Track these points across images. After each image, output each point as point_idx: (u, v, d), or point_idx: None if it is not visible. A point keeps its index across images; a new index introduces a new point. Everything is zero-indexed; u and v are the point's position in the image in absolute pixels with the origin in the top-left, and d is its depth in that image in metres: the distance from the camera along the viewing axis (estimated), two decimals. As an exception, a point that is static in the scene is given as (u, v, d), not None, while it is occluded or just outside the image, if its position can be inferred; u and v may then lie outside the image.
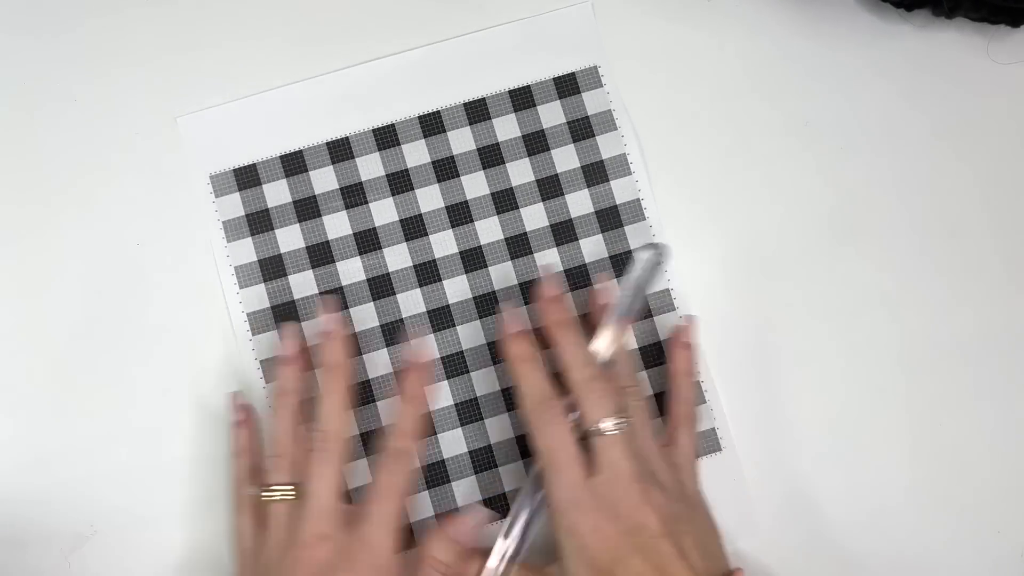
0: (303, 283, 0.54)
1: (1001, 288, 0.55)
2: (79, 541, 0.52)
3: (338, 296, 0.53)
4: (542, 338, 0.51)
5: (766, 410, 0.54)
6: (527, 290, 0.54)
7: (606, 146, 0.55)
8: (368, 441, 0.53)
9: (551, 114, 0.55)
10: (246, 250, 0.54)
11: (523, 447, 0.53)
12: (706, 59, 0.56)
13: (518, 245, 0.54)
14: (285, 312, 0.53)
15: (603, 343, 0.50)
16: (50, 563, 0.52)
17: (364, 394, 0.53)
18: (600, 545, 0.45)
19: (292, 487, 0.47)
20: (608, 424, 0.46)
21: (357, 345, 0.53)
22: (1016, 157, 0.56)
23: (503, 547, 0.48)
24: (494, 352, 0.54)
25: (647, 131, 0.55)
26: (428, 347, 0.51)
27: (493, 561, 0.47)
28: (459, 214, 0.54)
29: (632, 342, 0.54)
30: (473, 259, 0.54)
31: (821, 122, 0.56)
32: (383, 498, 0.46)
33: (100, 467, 0.52)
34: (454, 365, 0.54)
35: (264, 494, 0.47)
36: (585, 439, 0.47)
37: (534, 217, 0.54)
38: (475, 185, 0.55)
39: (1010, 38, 0.57)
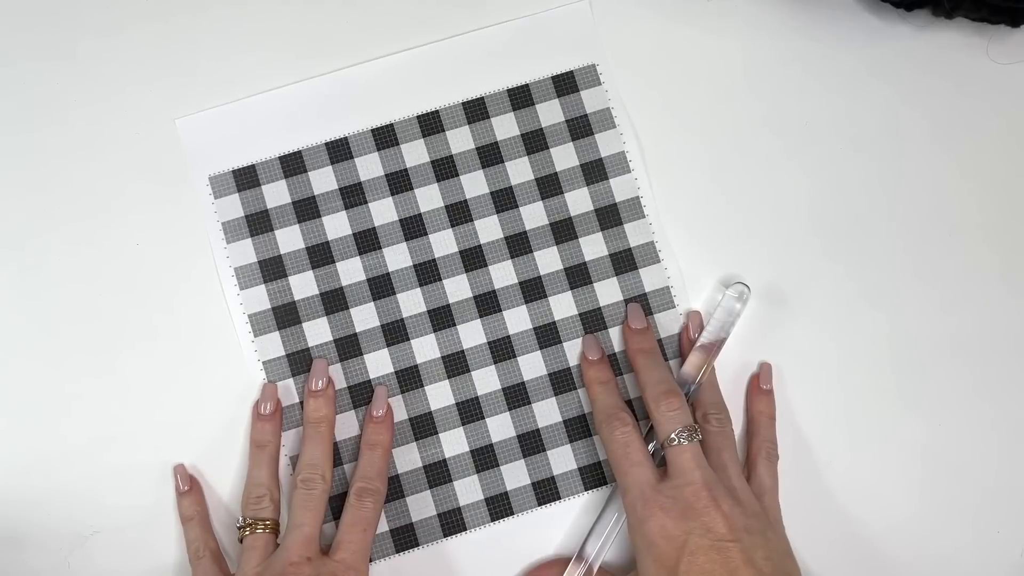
0: (304, 284, 0.54)
1: (1001, 288, 0.55)
2: (79, 541, 0.52)
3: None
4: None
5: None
6: (527, 288, 0.54)
7: (605, 144, 0.55)
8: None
9: (550, 112, 0.55)
10: (246, 251, 0.54)
11: (524, 445, 0.53)
12: (706, 58, 0.56)
13: (518, 244, 0.54)
14: (286, 313, 0.53)
15: (691, 369, 0.52)
16: (50, 563, 0.52)
17: (364, 394, 0.53)
18: (667, 543, 0.46)
19: (270, 522, 0.50)
20: (680, 435, 0.48)
21: (359, 345, 0.53)
22: (1016, 157, 0.56)
23: (580, 560, 0.51)
24: (495, 351, 0.54)
25: (646, 129, 0.55)
26: (385, 399, 0.53)
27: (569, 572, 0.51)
28: (458, 213, 0.54)
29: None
30: (473, 258, 0.54)
31: (821, 122, 0.56)
32: (355, 529, 0.49)
33: (100, 467, 0.52)
34: (455, 364, 0.53)
35: (254, 523, 0.50)
36: (662, 449, 0.49)
37: (533, 216, 0.54)
38: (474, 184, 0.55)
39: (1010, 38, 0.57)
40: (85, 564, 0.52)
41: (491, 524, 0.53)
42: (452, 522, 0.53)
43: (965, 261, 0.55)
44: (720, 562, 0.45)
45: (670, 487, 0.47)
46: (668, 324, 0.54)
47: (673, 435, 0.48)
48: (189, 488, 0.52)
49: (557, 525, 0.53)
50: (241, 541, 0.50)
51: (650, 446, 0.50)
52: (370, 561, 0.52)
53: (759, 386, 0.54)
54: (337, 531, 0.50)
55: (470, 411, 0.53)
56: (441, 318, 0.54)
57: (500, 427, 0.53)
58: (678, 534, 0.46)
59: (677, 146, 0.55)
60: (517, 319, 0.54)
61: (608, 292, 0.54)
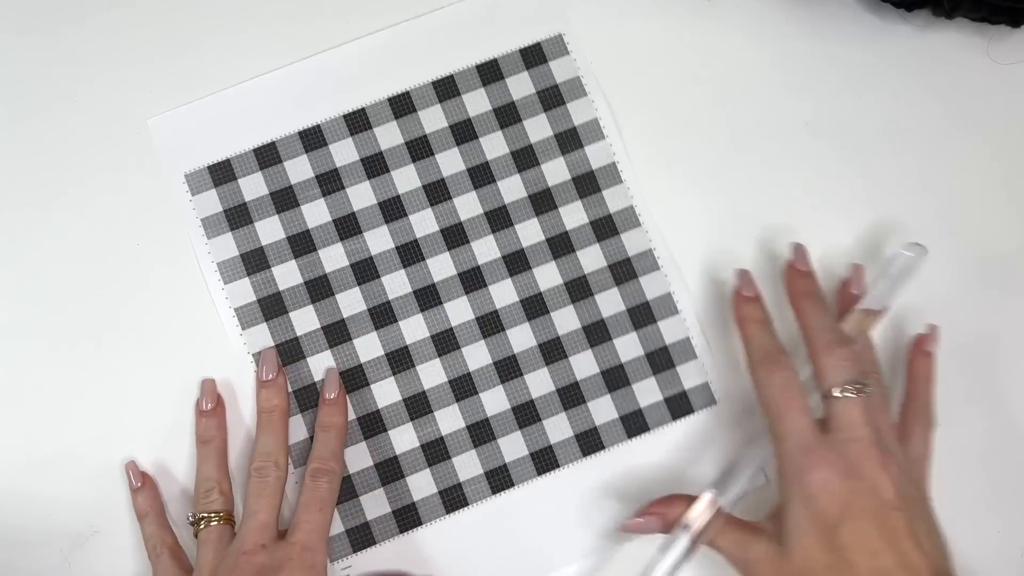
0: (287, 273, 0.54)
1: (1001, 288, 0.55)
2: (79, 541, 0.52)
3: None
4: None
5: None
6: (510, 262, 0.54)
7: (577, 112, 0.55)
8: (364, 425, 0.53)
9: (520, 85, 0.55)
10: (227, 245, 0.54)
11: (520, 418, 0.53)
12: (705, 59, 0.56)
13: (498, 218, 0.54)
14: (272, 304, 0.53)
15: (849, 328, 0.49)
16: (50, 563, 0.51)
17: (357, 378, 0.53)
18: (829, 499, 0.44)
19: (222, 513, 0.50)
20: (851, 387, 0.45)
21: (347, 331, 0.53)
22: (1016, 157, 0.56)
23: (712, 498, 0.48)
24: (483, 326, 0.54)
25: (618, 95, 0.55)
26: (337, 382, 0.52)
27: (699, 508, 0.47)
28: (437, 192, 0.54)
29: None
30: (454, 235, 0.54)
31: (821, 122, 0.56)
32: (311, 510, 0.49)
33: (100, 467, 0.52)
34: (444, 342, 0.53)
35: (207, 517, 0.50)
36: (824, 401, 0.46)
37: (511, 189, 0.54)
38: (450, 162, 0.55)
39: (1010, 38, 0.56)
40: (85, 564, 0.51)
41: (492, 497, 0.53)
42: (454, 498, 0.53)
43: (965, 260, 0.55)
44: (884, 529, 0.43)
45: (836, 440, 0.45)
46: (655, 287, 0.54)
47: (842, 386, 0.45)
48: (142, 484, 0.51)
49: (559, 493, 0.53)
50: (196, 536, 0.50)
51: None
52: (373, 544, 0.52)
53: (921, 347, 0.51)
54: (293, 513, 0.49)
55: (463, 387, 0.53)
56: (427, 297, 0.54)
57: (494, 400, 0.53)
58: (842, 492, 0.43)
59: (650, 111, 0.55)
60: (503, 293, 0.54)
61: (591, 259, 0.54)
